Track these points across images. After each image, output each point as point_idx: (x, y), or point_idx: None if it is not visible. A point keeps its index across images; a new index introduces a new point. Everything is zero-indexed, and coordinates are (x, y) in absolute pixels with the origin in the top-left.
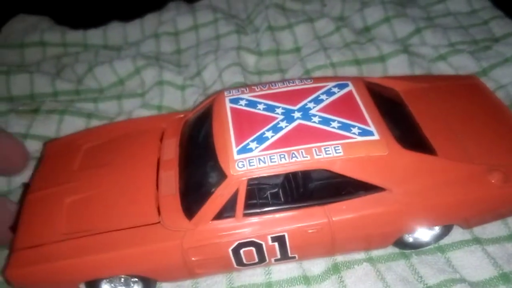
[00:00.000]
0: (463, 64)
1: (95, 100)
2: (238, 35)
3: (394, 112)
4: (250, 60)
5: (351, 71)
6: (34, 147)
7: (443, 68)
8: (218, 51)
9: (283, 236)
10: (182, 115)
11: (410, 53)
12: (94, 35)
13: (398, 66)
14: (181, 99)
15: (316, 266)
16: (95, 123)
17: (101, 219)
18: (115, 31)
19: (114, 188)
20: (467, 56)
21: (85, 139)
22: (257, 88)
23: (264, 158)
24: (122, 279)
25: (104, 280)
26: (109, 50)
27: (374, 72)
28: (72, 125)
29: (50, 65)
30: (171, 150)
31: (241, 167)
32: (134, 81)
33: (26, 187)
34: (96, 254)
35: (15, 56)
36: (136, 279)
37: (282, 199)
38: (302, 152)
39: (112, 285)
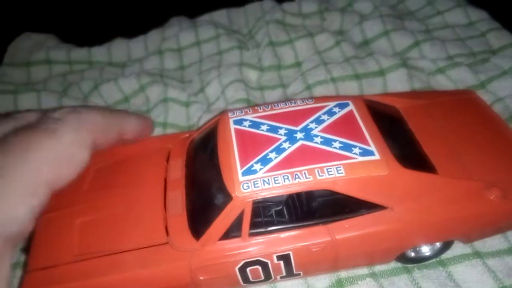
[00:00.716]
0: (461, 77)
1: None
2: (240, 51)
3: (394, 130)
4: (252, 75)
5: (351, 85)
6: None
7: (441, 81)
8: (220, 67)
9: (288, 255)
10: (187, 135)
11: (409, 66)
12: (99, 52)
13: (397, 80)
14: (185, 116)
15: (320, 282)
16: None
17: (111, 240)
18: (119, 48)
19: (123, 209)
20: (465, 69)
21: (94, 161)
22: (260, 109)
23: (268, 179)
24: None
25: None
26: (113, 66)
27: (374, 86)
28: None
29: (57, 83)
30: (177, 170)
31: (246, 189)
32: (139, 98)
33: None
34: (107, 276)
35: (21, 75)
36: None
37: (287, 218)
38: (305, 173)
39: None
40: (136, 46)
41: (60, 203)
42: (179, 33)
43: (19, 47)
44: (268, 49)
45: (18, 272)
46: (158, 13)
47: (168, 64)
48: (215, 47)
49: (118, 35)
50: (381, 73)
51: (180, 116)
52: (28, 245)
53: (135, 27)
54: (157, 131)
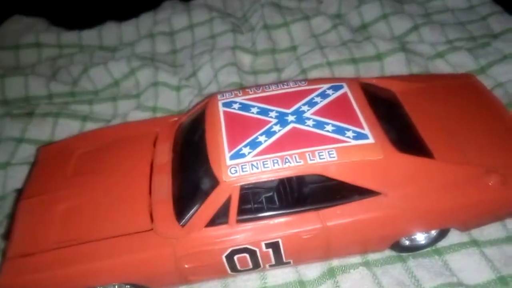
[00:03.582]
0: (461, 61)
1: (90, 102)
2: (234, 34)
3: (390, 113)
4: (246, 59)
5: (348, 70)
6: (29, 152)
7: (441, 66)
8: (213, 51)
9: (277, 242)
10: (175, 119)
11: (407, 51)
12: (89, 36)
13: (395, 65)
14: (176, 100)
15: (312, 270)
16: (90, 125)
17: (93, 227)
18: (110, 31)
19: (107, 195)
20: (465, 54)
21: (78, 145)
22: (251, 91)
23: (257, 163)
24: (116, 287)
25: None
26: (104, 50)
27: (371, 70)
28: (67, 128)
29: (46, 67)
30: (164, 155)
31: (233, 173)
32: (129, 82)
33: (19, 193)
34: (89, 263)
35: (10, 58)
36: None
37: (276, 204)
38: (295, 157)
39: None
40: (128, 30)
41: (42, 187)
42: (171, 16)
43: (8, 30)
44: (262, 33)
45: None
46: None
47: (160, 48)
48: (208, 30)
49: (109, 18)
50: (379, 57)
51: (171, 100)
52: (8, 231)
53: (126, 11)
54: (147, 115)
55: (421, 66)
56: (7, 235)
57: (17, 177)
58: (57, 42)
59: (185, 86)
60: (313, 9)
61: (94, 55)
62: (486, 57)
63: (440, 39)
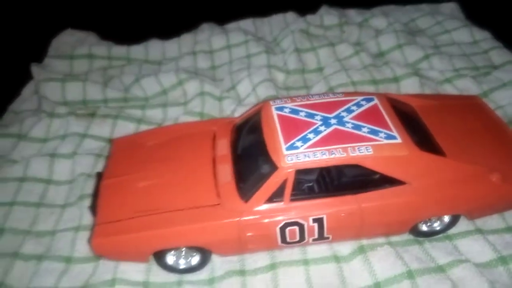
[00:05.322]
0: (466, 87)
1: (142, 108)
2: (267, 55)
3: (411, 122)
4: (280, 77)
5: (370, 89)
6: (92, 145)
7: (449, 90)
8: (250, 68)
9: (322, 218)
10: (229, 120)
11: (420, 76)
12: (137, 50)
13: (410, 87)
14: (219, 108)
15: (345, 247)
16: (144, 127)
17: (168, 201)
18: (155, 47)
19: (177, 177)
20: (470, 80)
21: (149, 138)
22: (298, 99)
23: (308, 154)
24: (184, 252)
25: (169, 253)
26: (150, 64)
27: (389, 90)
28: (124, 128)
29: (97, 76)
30: (223, 148)
31: (290, 161)
32: (176, 91)
33: (100, 175)
34: (165, 228)
35: (64, 67)
36: (194, 254)
37: (322, 188)
38: (339, 150)
39: (175, 257)
40: (171, 47)
41: (121, 171)
42: (210, 38)
43: (62, 41)
44: (293, 55)
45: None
46: (189, 19)
47: (201, 64)
48: (244, 51)
49: (152, 36)
50: (396, 80)
51: (215, 108)
52: (94, 204)
53: (167, 31)
54: (196, 120)
55: (432, 89)
56: (94, 208)
57: (83, 164)
58: (107, 54)
59: (226, 97)
60: (337, 37)
61: (143, 67)
62: (488, 84)
63: (448, 67)
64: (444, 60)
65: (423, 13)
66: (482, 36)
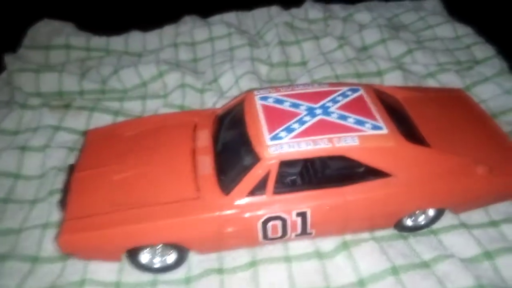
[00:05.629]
0: (449, 81)
1: (121, 100)
2: (250, 48)
3: (396, 113)
4: (263, 70)
5: (353, 82)
6: (65, 138)
7: (432, 84)
8: (233, 61)
9: (305, 212)
10: (211, 111)
11: (404, 70)
12: (116, 42)
13: (393, 80)
14: (201, 101)
15: (328, 243)
16: (121, 119)
17: (145, 195)
18: (135, 39)
19: (156, 169)
20: (453, 74)
21: (125, 129)
22: (282, 89)
23: (293, 144)
24: (159, 249)
25: (144, 250)
26: (130, 55)
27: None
28: (101, 120)
29: (75, 67)
30: (204, 139)
31: (273, 151)
32: (156, 84)
33: (71, 168)
34: (141, 224)
35: (40, 57)
36: (171, 252)
37: (306, 180)
38: (325, 140)
39: (150, 256)
40: (152, 39)
41: (95, 163)
42: (193, 30)
43: (38, 31)
44: (277, 48)
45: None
46: (171, 11)
47: (182, 56)
48: (227, 43)
49: (133, 28)
50: (379, 73)
51: (196, 101)
52: (64, 199)
53: (149, 22)
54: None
55: (416, 83)
56: (63, 203)
57: (55, 158)
58: (85, 45)
59: (208, 90)
60: (321, 30)
61: (122, 59)
62: (470, 78)
63: (431, 62)
64: (427, 55)
65: (407, 8)
66: (465, 32)
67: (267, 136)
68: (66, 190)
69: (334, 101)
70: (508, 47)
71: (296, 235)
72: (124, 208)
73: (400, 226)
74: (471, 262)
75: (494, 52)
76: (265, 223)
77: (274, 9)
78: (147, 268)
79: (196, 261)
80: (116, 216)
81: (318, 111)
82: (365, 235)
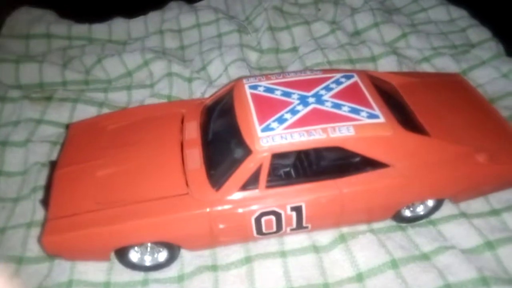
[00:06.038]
0: (445, 65)
1: (105, 90)
2: (239, 34)
3: (393, 100)
4: (252, 57)
5: (347, 68)
6: (48, 132)
7: (427, 69)
8: (222, 48)
9: (300, 206)
10: (199, 102)
11: (398, 54)
12: (99, 29)
13: (388, 66)
14: (189, 90)
15: (325, 236)
16: (106, 111)
17: (132, 191)
18: (119, 27)
19: (142, 164)
20: (449, 59)
21: (109, 121)
22: (273, 77)
23: (285, 135)
24: (149, 248)
25: (133, 249)
26: (114, 44)
27: (367, 69)
28: (85, 112)
29: (57, 56)
30: (193, 131)
31: (265, 143)
32: (142, 73)
33: (53, 164)
34: (128, 222)
35: (20, 47)
36: (161, 249)
37: (300, 173)
38: (319, 131)
39: (140, 254)
40: (136, 26)
41: (77, 158)
42: (179, 16)
43: (18, 20)
44: (267, 33)
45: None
46: None
47: (169, 43)
48: (215, 30)
49: (117, 15)
50: (373, 59)
51: (184, 90)
52: (46, 197)
53: (133, 9)
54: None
55: (411, 68)
56: (46, 201)
57: (37, 153)
58: (67, 33)
59: (196, 78)
60: (312, 15)
61: (106, 47)
62: (467, 62)
63: (426, 46)
64: (422, 39)
65: None
66: (459, 14)
67: (258, 127)
68: (48, 188)
69: (328, 88)
70: (504, 29)
71: (292, 229)
72: (109, 206)
73: (398, 217)
74: (473, 253)
75: (490, 34)
76: (258, 218)
77: None
78: (138, 267)
79: (189, 258)
80: (101, 214)
81: (311, 100)
82: (363, 227)
